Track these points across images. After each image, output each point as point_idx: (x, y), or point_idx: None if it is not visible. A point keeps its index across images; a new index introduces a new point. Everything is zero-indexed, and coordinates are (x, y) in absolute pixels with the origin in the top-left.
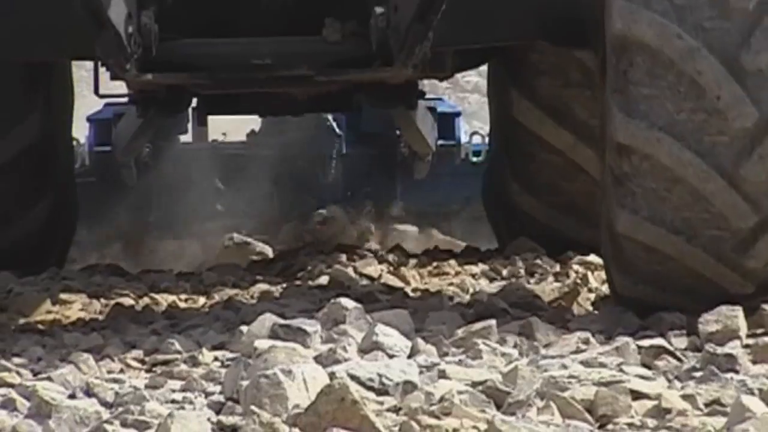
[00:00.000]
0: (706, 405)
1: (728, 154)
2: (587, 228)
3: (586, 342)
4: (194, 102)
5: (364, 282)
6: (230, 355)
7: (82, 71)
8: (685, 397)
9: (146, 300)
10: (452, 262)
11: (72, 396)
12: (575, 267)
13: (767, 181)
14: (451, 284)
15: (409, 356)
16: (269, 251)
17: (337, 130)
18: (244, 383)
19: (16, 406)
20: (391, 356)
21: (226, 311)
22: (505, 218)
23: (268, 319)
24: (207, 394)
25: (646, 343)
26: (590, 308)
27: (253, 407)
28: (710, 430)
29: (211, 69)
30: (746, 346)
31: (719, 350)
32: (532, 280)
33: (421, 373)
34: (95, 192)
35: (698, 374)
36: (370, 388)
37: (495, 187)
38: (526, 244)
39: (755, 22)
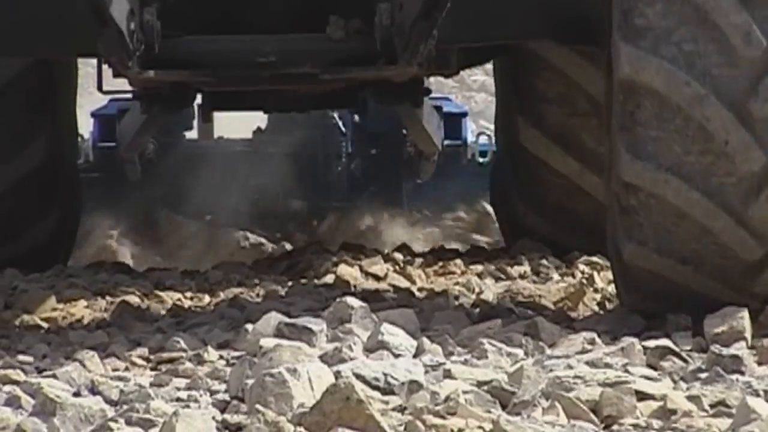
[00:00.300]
0: (712, 406)
1: (736, 193)
2: (594, 244)
3: (592, 342)
4: (199, 98)
5: (370, 281)
6: (235, 354)
7: (87, 67)
8: (690, 398)
9: (151, 298)
10: (458, 261)
11: (77, 394)
12: (581, 267)
13: None
14: (456, 284)
15: (415, 356)
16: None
17: (343, 128)
18: (250, 382)
19: (21, 404)
20: (396, 355)
21: (232, 309)
22: (513, 234)
23: (274, 318)
24: (212, 393)
25: (651, 343)
26: (596, 308)
27: (258, 406)
28: (715, 431)
29: (214, 66)
30: (752, 348)
31: (725, 351)
32: (537, 280)
33: (426, 372)
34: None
35: (704, 375)
36: (375, 388)
37: (501, 197)
38: (531, 244)
39: (763, 70)
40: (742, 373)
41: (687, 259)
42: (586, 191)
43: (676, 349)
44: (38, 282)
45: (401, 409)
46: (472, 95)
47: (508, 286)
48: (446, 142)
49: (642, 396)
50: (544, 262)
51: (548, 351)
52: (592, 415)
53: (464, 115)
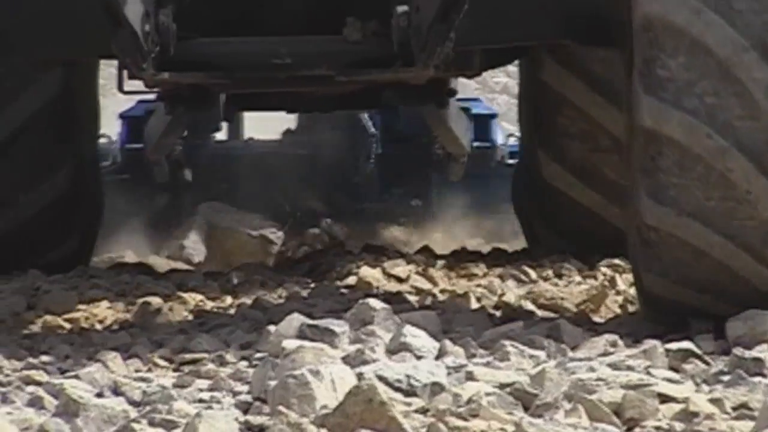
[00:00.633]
0: (734, 409)
1: (756, 235)
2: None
3: (614, 345)
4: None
5: (392, 283)
6: (258, 355)
7: (111, 68)
8: (712, 400)
9: (174, 299)
10: (480, 263)
11: (99, 395)
12: (603, 269)
13: None
14: (478, 286)
15: (437, 357)
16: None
17: (372, 129)
18: (272, 383)
19: (44, 404)
20: (418, 357)
21: (254, 311)
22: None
23: (296, 319)
24: (234, 394)
25: (673, 346)
26: (618, 311)
27: (280, 407)
28: None
29: (230, 68)
30: None
31: (747, 354)
32: (559, 282)
33: (448, 374)
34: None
35: (726, 378)
36: (397, 389)
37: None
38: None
39: None
40: (765, 376)
41: (706, 288)
42: (608, 221)
43: (699, 351)
44: (61, 283)
45: (423, 411)
46: (494, 97)
47: (530, 289)
48: (475, 144)
49: (664, 399)
50: (566, 264)
51: (570, 353)
52: (615, 418)
53: (493, 116)
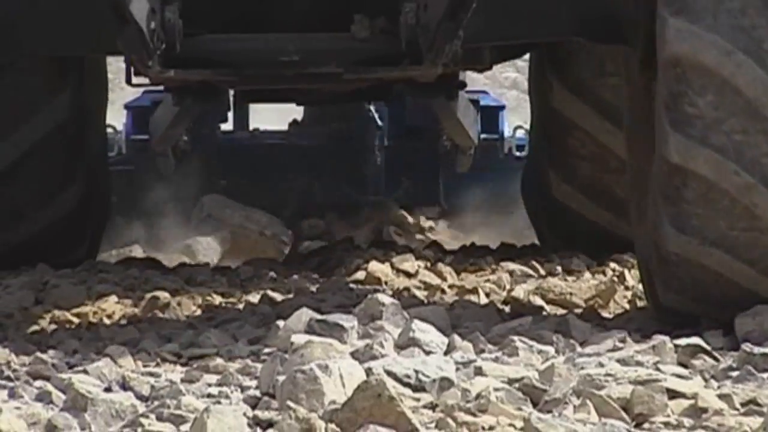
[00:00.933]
0: (743, 405)
1: None
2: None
3: (623, 340)
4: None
5: (401, 278)
6: (266, 350)
7: (120, 62)
8: (721, 396)
9: (182, 294)
10: (489, 258)
11: (108, 389)
12: (612, 265)
13: None
14: (487, 281)
15: (446, 353)
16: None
17: (379, 122)
18: (281, 378)
19: (52, 399)
20: (427, 352)
21: (263, 306)
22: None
23: (305, 314)
24: (243, 389)
25: (682, 342)
26: (627, 306)
27: (289, 402)
28: (746, 429)
29: (237, 65)
30: None
31: (756, 350)
32: (568, 278)
33: (457, 369)
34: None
35: (735, 374)
36: (406, 385)
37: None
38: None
39: None
40: None
41: (726, 305)
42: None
43: (708, 347)
44: (69, 277)
45: (432, 406)
46: (503, 92)
47: (539, 284)
48: (483, 135)
49: (673, 394)
50: (575, 259)
51: (579, 349)
52: (623, 413)
53: (501, 108)
